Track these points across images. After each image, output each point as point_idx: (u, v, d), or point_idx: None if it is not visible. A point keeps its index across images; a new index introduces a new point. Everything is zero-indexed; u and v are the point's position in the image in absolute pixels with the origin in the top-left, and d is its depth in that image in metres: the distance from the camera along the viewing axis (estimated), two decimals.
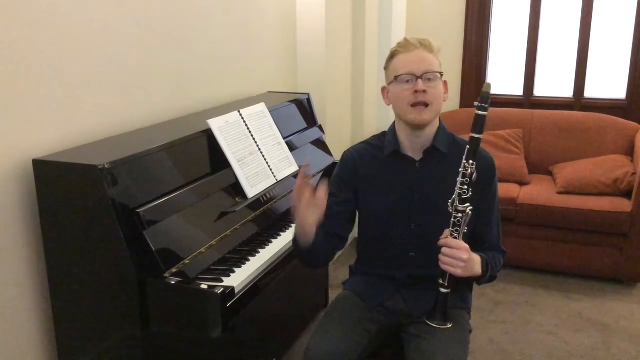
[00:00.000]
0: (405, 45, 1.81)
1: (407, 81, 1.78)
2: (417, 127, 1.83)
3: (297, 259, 1.96)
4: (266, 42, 3.28)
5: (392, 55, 1.84)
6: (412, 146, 1.89)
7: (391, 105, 1.87)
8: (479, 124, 1.70)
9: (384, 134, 1.97)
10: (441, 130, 1.89)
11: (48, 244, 1.92)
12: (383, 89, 1.89)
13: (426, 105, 1.79)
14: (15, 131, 1.86)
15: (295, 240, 1.83)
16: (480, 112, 1.69)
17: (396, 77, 1.80)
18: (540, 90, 4.48)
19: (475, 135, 1.70)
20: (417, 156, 1.89)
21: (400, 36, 4.30)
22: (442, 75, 1.82)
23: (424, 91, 1.76)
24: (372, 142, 1.98)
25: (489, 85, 1.70)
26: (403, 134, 1.88)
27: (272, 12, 3.30)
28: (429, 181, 1.87)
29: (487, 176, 1.86)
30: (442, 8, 4.58)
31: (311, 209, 1.70)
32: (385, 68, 1.87)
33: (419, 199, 1.88)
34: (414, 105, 1.78)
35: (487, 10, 4.47)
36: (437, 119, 1.88)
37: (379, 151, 1.94)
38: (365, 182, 1.93)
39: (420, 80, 1.77)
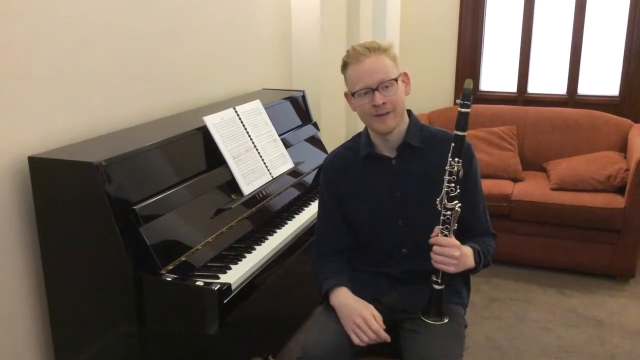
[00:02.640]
0: (354, 56, 1.80)
1: (365, 93, 1.79)
2: (385, 133, 1.85)
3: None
4: (261, 39, 3.28)
5: (345, 65, 1.84)
6: (385, 145, 1.89)
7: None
8: (462, 121, 1.70)
9: (359, 135, 1.98)
10: (412, 125, 1.89)
11: (44, 241, 1.92)
12: (346, 95, 1.89)
13: (388, 112, 1.80)
14: (10, 128, 1.86)
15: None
16: (463, 110, 1.69)
17: (353, 94, 1.82)
18: (534, 87, 4.49)
19: (460, 133, 1.71)
20: (392, 154, 1.90)
21: (395, 33, 4.33)
22: (399, 77, 1.81)
23: (383, 103, 1.77)
24: (349, 145, 2.00)
25: (470, 82, 1.70)
26: (374, 136, 1.90)
27: (266, 8, 3.30)
28: (408, 177, 1.88)
29: (465, 162, 1.85)
30: (436, 5, 4.58)
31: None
32: (343, 76, 1.87)
33: (400, 196, 1.89)
34: (376, 115, 1.80)
35: (481, 7, 4.48)
36: (406, 114, 1.89)
37: (355, 153, 1.94)
38: (347, 186, 1.94)
39: (377, 93, 1.77)
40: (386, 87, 1.77)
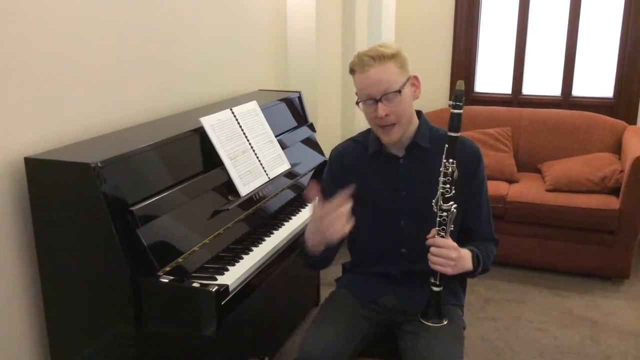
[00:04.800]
0: (359, 64, 1.79)
1: (370, 103, 1.79)
2: (390, 144, 1.85)
3: (305, 262, 1.98)
4: (257, 40, 3.27)
5: (352, 72, 1.84)
6: (394, 145, 1.90)
7: None
8: (455, 122, 1.71)
9: (369, 131, 1.98)
10: (422, 125, 1.90)
11: (40, 242, 1.90)
12: (357, 94, 1.89)
13: (393, 124, 1.80)
14: (6, 129, 1.85)
15: (308, 248, 1.85)
16: (455, 111, 1.70)
17: (358, 103, 1.83)
18: (529, 88, 4.51)
19: (453, 134, 1.71)
20: (400, 153, 1.90)
21: (390, 35, 4.33)
22: (407, 82, 1.80)
23: (387, 115, 1.77)
24: (358, 139, 2.00)
25: (461, 84, 1.71)
26: None
27: (262, 9, 3.29)
28: (414, 177, 1.88)
29: (472, 165, 1.87)
30: (431, 6, 4.59)
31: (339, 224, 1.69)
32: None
33: (405, 196, 1.89)
34: (381, 126, 1.81)
35: (476, 9, 4.49)
36: (415, 116, 1.89)
37: (364, 148, 1.95)
38: (352, 179, 1.94)
39: (380, 104, 1.77)
40: (389, 98, 1.77)
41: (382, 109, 1.77)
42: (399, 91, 1.78)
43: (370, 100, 1.79)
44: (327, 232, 1.70)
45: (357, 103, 1.84)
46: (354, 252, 2.06)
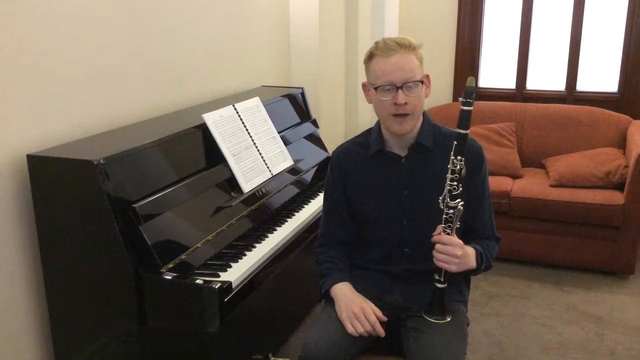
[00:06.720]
0: (383, 49, 1.76)
1: (388, 89, 1.76)
2: (400, 135, 1.83)
3: None
4: (260, 36, 3.27)
5: (371, 56, 1.80)
6: (397, 143, 1.88)
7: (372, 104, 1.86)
8: (464, 119, 1.69)
9: (369, 131, 1.96)
10: (425, 124, 1.88)
11: (43, 240, 1.91)
12: (364, 86, 1.87)
13: (407, 114, 1.78)
14: (9, 126, 1.85)
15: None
16: (465, 108, 1.68)
17: (376, 88, 1.79)
18: (533, 83, 4.48)
19: (462, 131, 1.70)
20: (403, 152, 1.89)
21: (394, 29, 4.32)
22: (422, 77, 1.79)
23: (405, 103, 1.75)
24: (358, 140, 1.98)
25: (472, 80, 1.69)
26: (387, 133, 1.88)
27: (265, 5, 3.29)
28: (417, 177, 1.87)
29: (474, 164, 1.85)
30: (434, 1, 4.57)
31: None
32: (365, 65, 1.84)
33: (407, 195, 1.88)
34: (395, 115, 1.78)
35: (479, 3, 4.47)
36: (421, 114, 1.88)
37: (364, 150, 1.93)
38: (354, 181, 1.94)
39: (400, 92, 1.74)
40: (410, 87, 1.75)
41: (402, 97, 1.74)
42: (421, 81, 1.77)
43: (389, 86, 1.76)
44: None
45: (376, 88, 1.79)
46: (357, 251, 2.05)
